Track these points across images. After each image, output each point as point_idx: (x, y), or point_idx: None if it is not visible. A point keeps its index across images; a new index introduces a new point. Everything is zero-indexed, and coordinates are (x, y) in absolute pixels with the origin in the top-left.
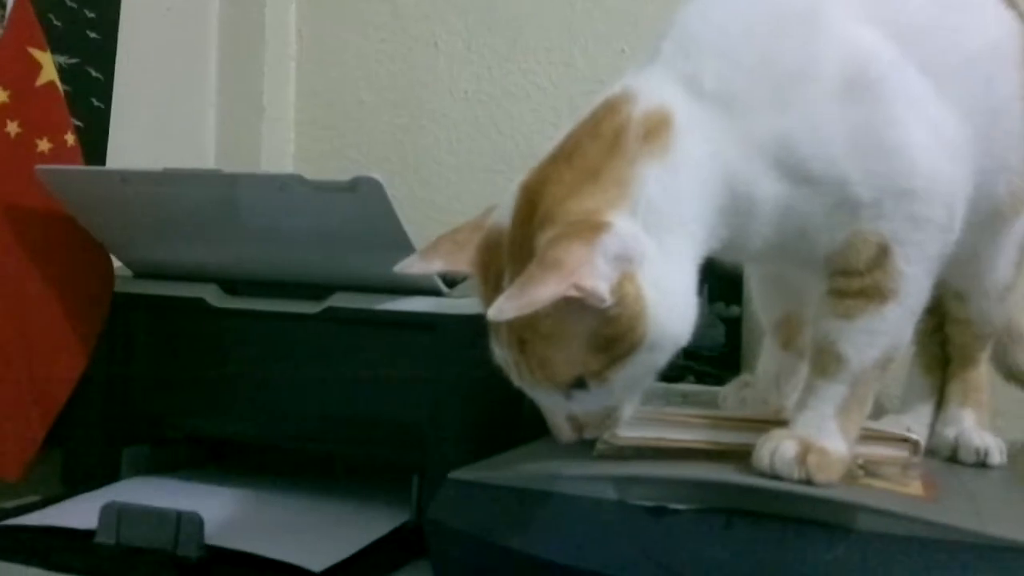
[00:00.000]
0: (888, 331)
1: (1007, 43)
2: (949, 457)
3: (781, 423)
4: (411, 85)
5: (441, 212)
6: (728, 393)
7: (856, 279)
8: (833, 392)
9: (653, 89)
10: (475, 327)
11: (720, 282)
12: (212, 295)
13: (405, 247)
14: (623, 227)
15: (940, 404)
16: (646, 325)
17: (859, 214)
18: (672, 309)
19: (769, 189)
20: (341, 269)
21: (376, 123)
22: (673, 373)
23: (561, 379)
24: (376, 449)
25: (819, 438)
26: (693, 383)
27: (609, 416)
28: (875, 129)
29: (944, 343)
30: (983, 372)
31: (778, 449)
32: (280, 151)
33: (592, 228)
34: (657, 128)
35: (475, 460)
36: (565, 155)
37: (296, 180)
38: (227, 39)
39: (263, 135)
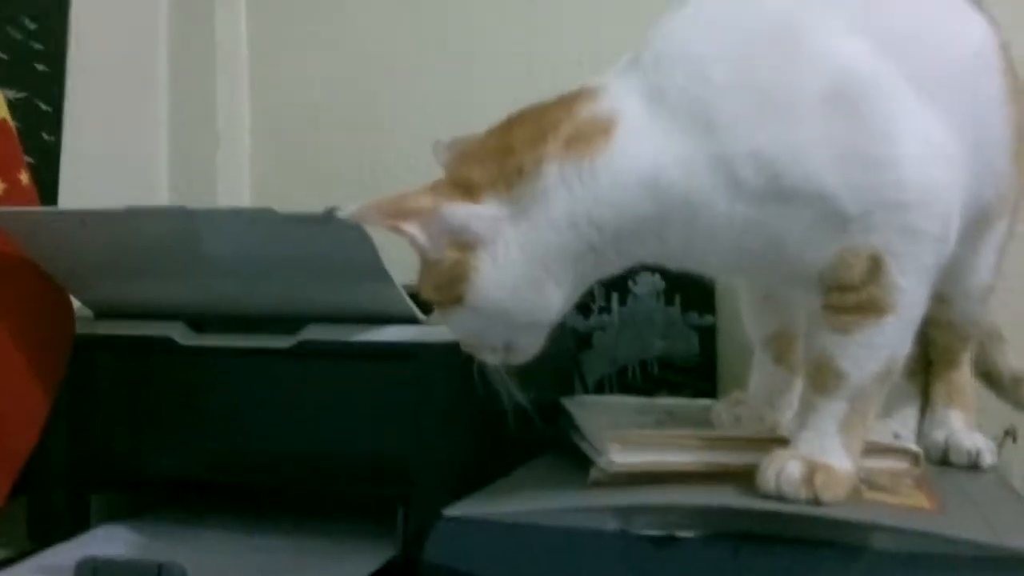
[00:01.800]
0: (887, 344)
1: (988, 49)
2: (940, 460)
3: (779, 441)
4: (367, 102)
5: None
6: (721, 411)
7: (851, 294)
8: (834, 409)
9: (616, 93)
10: (456, 354)
11: (692, 291)
12: (179, 333)
13: (380, 276)
14: (480, 209)
15: (925, 407)
16: (466, 288)
17: (847, 228)
18: (501, 286)
19: (722, 206)
20: (314, 301)
21: (333, 142)
22: (647, 385)
23: (421, 291)
24: (358, 484)
25: (823, 456)
26: (667, 395)
27: (497, 349)
28: (861, 142)
29: (926, 345)
30: (966, 372)
31: (783, 470)
32: (236, 175)
33: (451, 193)
34: (592, 133)
35: (462, 489)
36: (508, 123)
37: (267, 214)
38: (178, 64)
39: (218, 161)
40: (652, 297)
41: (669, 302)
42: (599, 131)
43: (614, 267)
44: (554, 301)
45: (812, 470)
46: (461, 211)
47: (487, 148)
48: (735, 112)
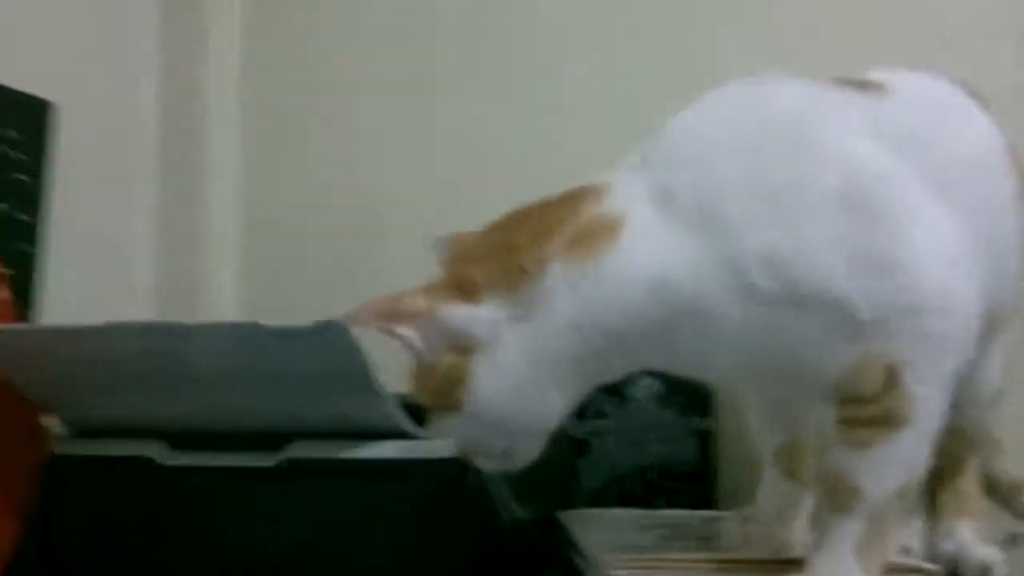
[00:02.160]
0: (906, 459)
1: (996, 149)
2: (949, 573)
3: (792, 563)
4: (361, 203)
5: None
6: (729, 529)
7: (868, 406)
8: (850, 529)
9: (622, 192)
10: (451, 471)
11: (691, 394)
12: (158, 452)
13: (372, 389)
14: (479, 311)
15: (932, 516)
16: (463, 394)
17: (863, 335)
18: (500, 393)
19: (734, 310)
20: (300, 416)
21: (324, 247)
22: (646, 493)
23: (416, 391)
24: None
25: None
26: (665, 503)
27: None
28: (875, 244)
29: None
30: (973, 480)
31: None
32: (221, 286)
33: (449, 294)
34: (598, 233)
35: None
36: (510, 220)
37: (254, 328)
38: (168, 170)
39: (204, 270)
40: (650, 401)
41: (667, 406)
42: (605, 231)
43: (618, 372)
44: (555, 407)
45: None
46: (460, 313)
47: (488, 246)
48: (745, 211)
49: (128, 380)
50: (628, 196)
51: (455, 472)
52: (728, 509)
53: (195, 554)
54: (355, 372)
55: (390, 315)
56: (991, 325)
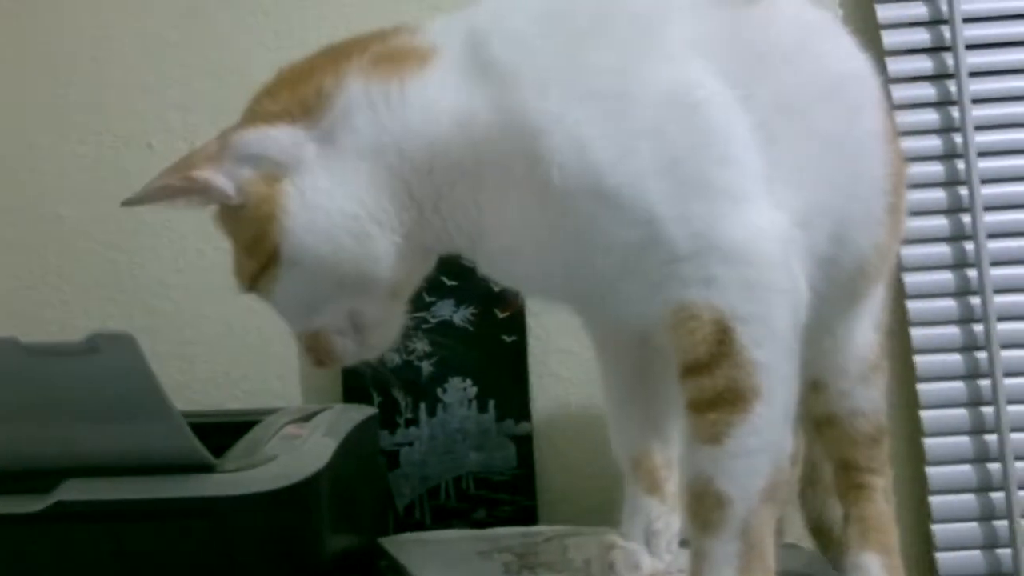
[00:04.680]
0: (765, 446)
1: (870, 79)
2: None
3: None
4: (122, 194)
5: (173, 344)
6: (593, 557)
7: (707, 378)
8: (727, 552)
9: (438, 31)
10: (259, 507)
11: (507, 397)
12: None
13: (160, 412)
14: (275, 132)
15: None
16: (278, 232)
17: (679, 273)
18: (314, 223)
19: (533, 185)
20: (74, 450)
21: (82, 242)
22: (463, 505)
23: (239, 284)
24: None
25: None
26: (485, 513)
27: (346, 333)
28: (697, 164)
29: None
30: (883, 506)
31: None
32: None
33: (243, 126)
34: (406, 57)
35: None
36: (316, 53)
37: (10, 345)
38: None
39: None
40: (463, 405)
41: (482, 409)
42: (414, 56)
43: (436, 230)
44: (380, 247)
45: None
46: (253, 136)
47: (284, 81)
48: (559, 82)
49: None
50: (443, 35)
51: (264, 508)
52: (550, 520)
53: None
54: (138, 392)
55: (184, 167)
56: (855, 280)
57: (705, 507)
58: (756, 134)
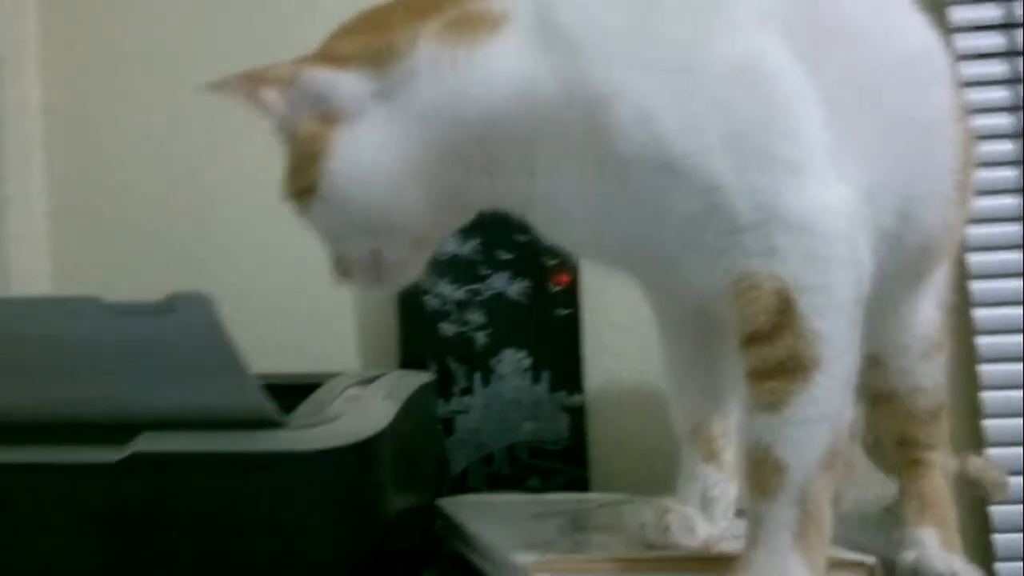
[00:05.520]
0: (824, 415)
1: (940, 56)
2: None
3: (721, 559)
4: (189, 164)
5: (235, 312)
6: (648, 521)
7: (767, 347)
8: (784, 518)
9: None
10: (324, 463)
11: (560, 369)
12: None
13: (232, 371)
14: (343, 77)
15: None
16: (320, 170)
17: (741, 242)
18: (355, 173)
19: (593, 155)
20: (149, 404)
21: (149, 211)
22: (516, 473)
23: (281, 193)
24: None
25: None
26: (538, 482)
27: (366, 266)
28: (763, 136)
29: (887, 446)
30: (940, 482)
31: None
32: (31, 250)
33: (318, 62)
34: (476, 22)
35: None
36: (394, 3)
37: (92, 304)
38: None
39: (9, 233)
40: (517, 376)
41: (536, 380)
42: (484, 23)
43: (482, 191)
44: (414, 206)
45: None
46: (324, 77)
47: (366, 23)
48: (623, 51)
49: None
50: (516, 4)
51: (329, 465)
52: (602, 490)
53: (17, 563)
54: (212, 351)
55: (255, 79)
56: (918, 260)
57: (763, 474)
58: (823, 108)
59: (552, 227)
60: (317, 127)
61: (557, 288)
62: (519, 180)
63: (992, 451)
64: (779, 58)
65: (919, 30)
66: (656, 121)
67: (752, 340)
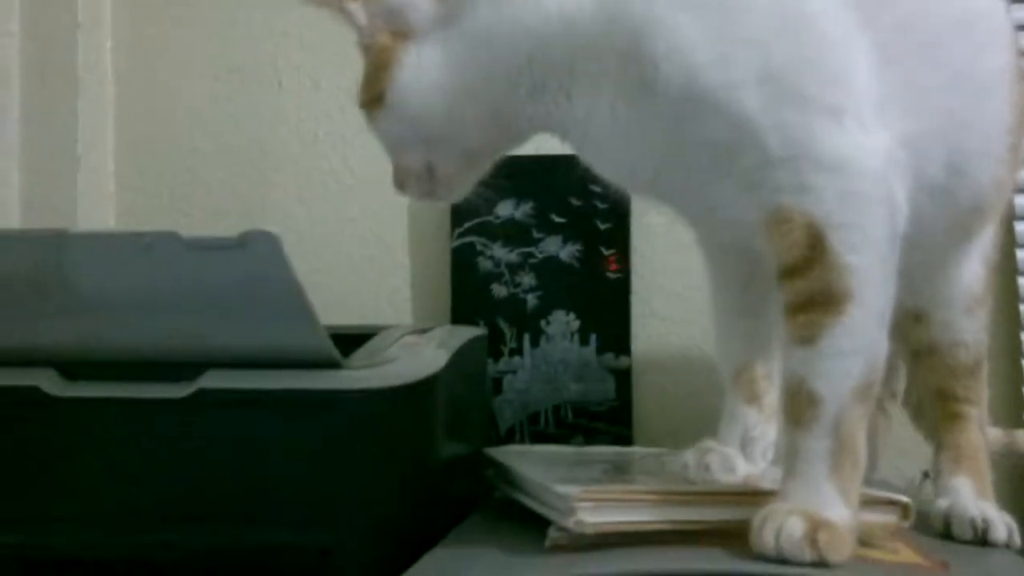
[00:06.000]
0: (858, 347)
1: (1002, 20)
2: (942, 532)
3: (762, 494)
4: (251, 129)
5: (301, 272)
6: (690, 461)
7: (801, 280)
8: (819, 449)
9: None
10: (380, 402)
11: (608, 332)
12: (49, 382)
13: (298, 311)
14: (419, 1)
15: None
16: (388, 81)
17: (773, 177)
18: (418, 87)
19: (626, 87)
20: (215, 342)
21: (212, 173)
22: (561, 432)
23: (357, 99)
24: (268, 563)
25: (823, 509)
26: (582, 442)
27: (421, 177)
28: (799, 75)
29: (925, 402)
30: (976, 433)
31: (783, 528)
32: (99, 208)
33: None
34: None
35: (387, 560)
36: None
37: (169, 239)
38: (31, 83)
39: (79, 191)
40: (566, 338)
41: (584, 343)
42: None
43: (529, 114)
44: (467, 121)
45: (815, 527)
46: None
47: None
48: None
49: (12, 298)
50: None
51: (385, 404)
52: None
53: (91, 497)
54: (280, 291)
55: None
56: (968, 218)
57: (798, 405)
58: (872, 55)
59: (589, 153)
60: (389, 40)
61: (608, 253)
62: (559, 106)
63: None
64: (825, 2)
65: None
66: (688, 54)
67: (787, 274)
